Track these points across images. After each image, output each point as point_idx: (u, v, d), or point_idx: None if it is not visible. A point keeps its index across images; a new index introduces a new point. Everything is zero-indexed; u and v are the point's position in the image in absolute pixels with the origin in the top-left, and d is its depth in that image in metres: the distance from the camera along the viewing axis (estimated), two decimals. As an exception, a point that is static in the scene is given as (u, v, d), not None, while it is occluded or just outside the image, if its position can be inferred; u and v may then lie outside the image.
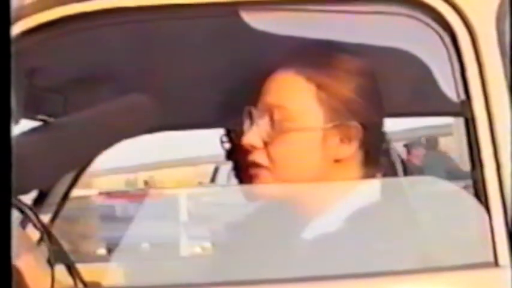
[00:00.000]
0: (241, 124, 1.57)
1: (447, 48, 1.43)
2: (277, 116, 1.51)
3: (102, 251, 9.79)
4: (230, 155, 2.66)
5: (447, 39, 1.43)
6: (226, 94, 2.07)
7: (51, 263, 1.84)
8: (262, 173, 1.53)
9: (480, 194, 1.39)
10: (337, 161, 1.52)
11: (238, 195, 1.74)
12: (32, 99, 1.76)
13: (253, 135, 1.53)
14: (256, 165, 1.53)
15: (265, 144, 1.52)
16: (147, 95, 1.69)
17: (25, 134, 1.37)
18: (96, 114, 1.50)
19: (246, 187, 1.65)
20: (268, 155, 1.52)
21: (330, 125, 1.50)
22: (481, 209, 1.39)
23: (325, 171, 1.52)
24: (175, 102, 2.29)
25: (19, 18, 1.40)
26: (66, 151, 1.43)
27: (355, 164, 1.54)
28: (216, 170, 12.78)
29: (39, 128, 1.46)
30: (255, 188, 1.56)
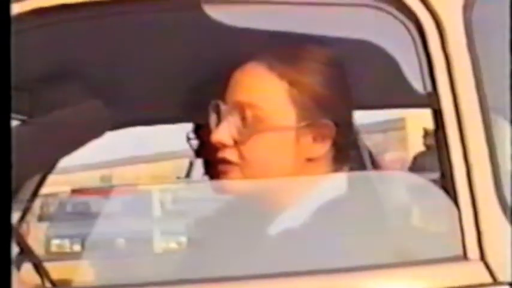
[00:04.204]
0: (207, 118, 1.55)
1: (413, 39, 1.43)
2: (249, 114, 1.49)
3: (76, 247, 9.78)
4: (199, 151, 2.64)
5: (413, 30, 1.43)
6: (193, 89, 2.06)
7: (17, 263, 1.82)
8: (233, 170, 1.51)
9: (449, 187, 1.39)
10: (309, 159, 1.50)
11: (210, 190, 1.73)
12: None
13: (223, 132, 1.51)
14: (226, 162, 1.51)
15: (236, 142, 1.50)
16: (109, 94, 1.67)
17: None
18: (55, 119, 1.48)
19: (215, 183, 1.63)
20: (239, 153, 1.50)
21: (303, 124, 1.48)
22: (450, 203, 1.38)
23: (297, 170, 1.50)
24: (143, 97, 2.27)
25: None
26: (31, 154, 1.41)
27: (327, 162, 1.53)
28: (191, 165, 12.77)
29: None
30: (224, 184, 1.54)
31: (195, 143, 2.64)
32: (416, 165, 8.12)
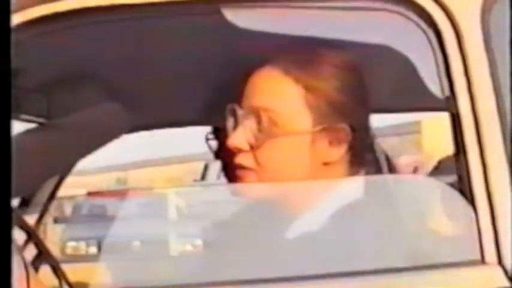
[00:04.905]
0: (224, 122, 1.55)
1: (431, 44, 1.42)
2: (265, 119, 1.48)
3: (92, 249, 9.81)
4: (218, 153, 2.64)
5: (431, 35, 1.42)
6: (209, 92, 2.06)
7: (35, 265, 1.83)
8: (249, 176, 1.51)
9: (466, 190, 1.38)
10: (325, 163, 1.50)
11: (227, 193, 1.73)
12: (15, 99, 1.75)
13: (239, 137, 1.51)
14: (243, 167, 1.51)
15: (252, 147, 1.50)
16: (127, 97, 1.68)
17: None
18: (72, 121, 1.49)
19: (232, 186, 1.64)
20: (255, 158, 1.50)
21: (319, 128, 1.48)
22: (467, 206, 1.38)
23: (313, 174, 1.50)
24: (160, 100, 2.28)
25: None
26: (48, 157, 1.42)
27: (343, 166, 1.53)
28: (206, 168, 12.79)
29: (21, 133, 1.45)
30: (241, 187, 1.54)
31: (213, 143, 2.64)
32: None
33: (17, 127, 1.92)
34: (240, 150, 1.51)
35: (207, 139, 2.65)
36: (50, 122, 1.77)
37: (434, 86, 1.42)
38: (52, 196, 2.79)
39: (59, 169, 1.65)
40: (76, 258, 9.07)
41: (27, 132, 1.48)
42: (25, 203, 2.61)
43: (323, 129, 1.48)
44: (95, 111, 1.55)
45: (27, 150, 1.36)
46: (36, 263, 1.96)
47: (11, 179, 1.10)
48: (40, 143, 1.43)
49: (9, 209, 1.12)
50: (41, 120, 2.13)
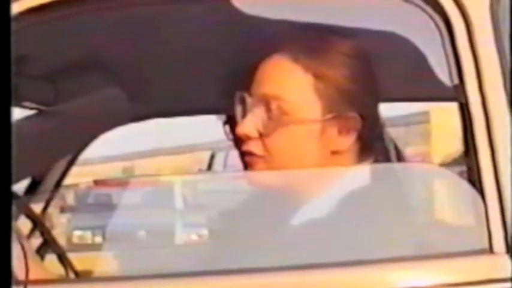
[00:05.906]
0: (233, 110, 1.55)
1: (441, 33, 1.42)
2: (274, 107, 1.49)
3: (97, 239, 9.82)
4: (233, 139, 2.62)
5: (441, 24, 1.42)
6: (217, 80, 2.05)
7: (41, 253, 1.83)
8: (257, 163, 1.51)
9: (475, 179, 1.38)
10: (334, 152, 1.50)
11: (233, 182, 1.73)
12: (21, 87, 1.75)
13: (248, 125, 1.51)
14: (252, 154, 1.52)
15: (261, 134, 1.50)
16: (133, 86, 1.67)
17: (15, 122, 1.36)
18: (73, 107, 1.49)
19: (240, 175, 1.64)
20: (264, 146, 1.50)
21: (328, 116, 1.48)
22: (476, 195, 1.37)
23: (321, 163, 1.50)
24: (168, 88, 2.27)
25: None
26: (53, 140, 1.42)
27: (352, 155, 1.53)
28: (212, 157, 12.81)
29: (27, 117, 1.45)
30: (248, 176, 1.54)
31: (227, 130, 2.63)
32: None
33: (21, 114, 1.92)
34: (249, 138, 1.51)
35: (225, 123, 2.64)
36: (51, 108, 1.77)
37: (443, 74, 1.42)
38: (58, 185, 2.79)
39: (60, 155, 1.65)
40: (82, 247, 9.08)
41: (28, 118, 1.48)
42: (31, 192, 2.61)
43: (332, 118, 1.48)
44: (96, 98, 1.55)
45: (28, 136, 1.36)
46: (42, 251, 1.97)
47: (11, 166, 1.10)
48: (40, 129, 1.43)
49: (9, 196, 1.11)
50: (45, 108, 2.13)
